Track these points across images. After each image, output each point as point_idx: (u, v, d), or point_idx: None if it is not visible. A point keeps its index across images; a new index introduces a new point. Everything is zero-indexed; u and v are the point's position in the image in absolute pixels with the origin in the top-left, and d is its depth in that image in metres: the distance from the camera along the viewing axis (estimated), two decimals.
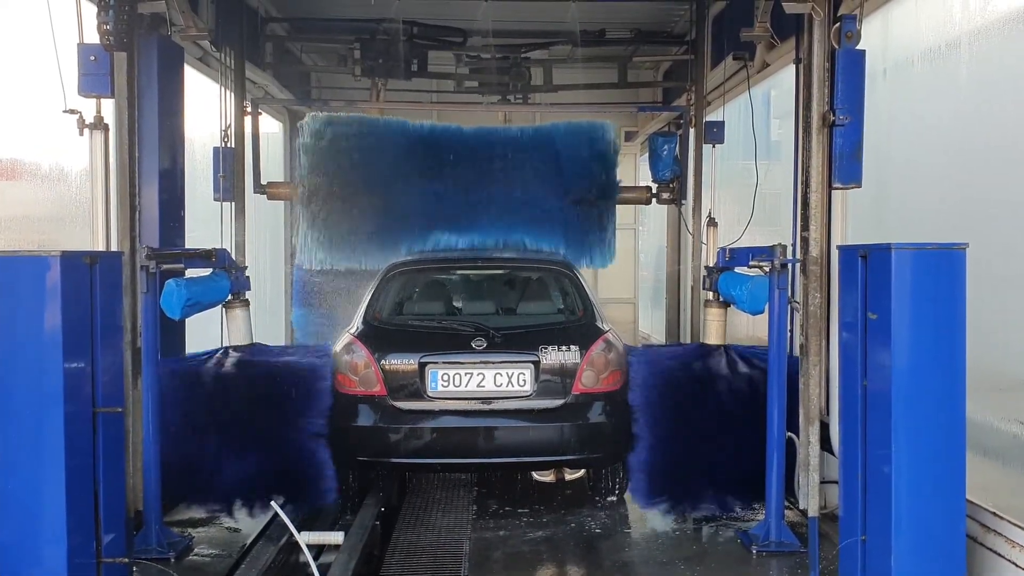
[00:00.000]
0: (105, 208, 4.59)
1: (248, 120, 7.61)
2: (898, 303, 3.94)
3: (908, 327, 3.95)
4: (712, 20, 8.32)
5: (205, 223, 7.41)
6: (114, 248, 4.68)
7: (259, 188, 7.78)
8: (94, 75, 4.49)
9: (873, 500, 4.17)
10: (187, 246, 6.54)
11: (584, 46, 8.87)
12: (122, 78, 4.51)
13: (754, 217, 7.24)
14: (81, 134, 4.61)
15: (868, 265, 4.15)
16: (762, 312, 5.70)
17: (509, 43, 9.23)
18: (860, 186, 4.73)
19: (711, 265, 6.57)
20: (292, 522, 5.75)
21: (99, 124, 4.59)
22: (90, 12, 4.65)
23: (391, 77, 8.97)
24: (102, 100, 4.64)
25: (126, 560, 4.27)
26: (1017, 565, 3.93)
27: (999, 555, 4.07)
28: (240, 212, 7.36)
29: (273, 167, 10.05)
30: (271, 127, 10.54)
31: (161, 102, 6.15)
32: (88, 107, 4.66)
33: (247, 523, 5.87)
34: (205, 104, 7.48)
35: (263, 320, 9.91)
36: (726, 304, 6.28)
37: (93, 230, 4.67)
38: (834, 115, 4.62)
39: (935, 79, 5.14)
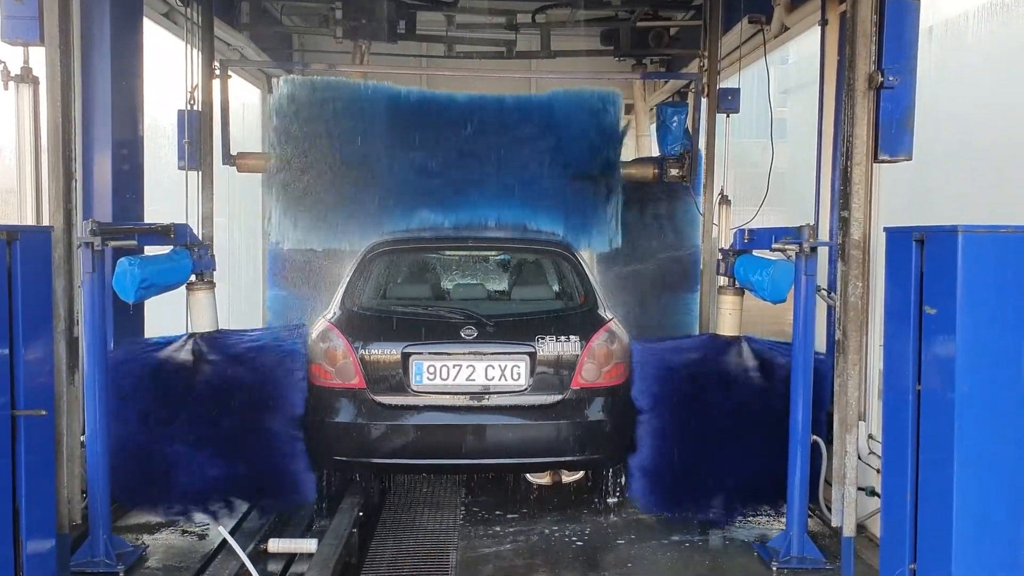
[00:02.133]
0: (35, 176, 3.94)
1: (217, 84, 6.91)
2: (966, 296, 3.33)
3: (977, 323, 3.35)
4: None
5: (170, 196, 6.77)
6: (46, 223, 4.04)
7: (228, 159, 7.09)
8: (19, 18, 3.82)
9: (927, 522, 3.59)
10: (146, 221, 5.90)
11: (586, 9, 8.25)
12: (53, 22, 3.83)
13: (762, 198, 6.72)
14: (6, 88, 3.95)
15: (926, 251, 3.55)
16: (784, 301, 5.12)
17: (505, 7, 8.56)
18: (910, 158, 4.12)
19: (726, 248, 5.97)
20: (261, 528, 5.22)
21: (27, 76, 3.93)
22: None
23: (375, 39, 8.30)
24: (30, 49, 3.97)
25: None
26: None
27: None
28: (207, 182, 6.68)
29: (250, 137, 9.38)
30: (248, 95, 9.87)
31: (115, 59, 5.49)
32: (15, 57, 4.00)
33: (209, 528, 5.30)
34: (172, 67, 6.82)
35: (237, 305, 9.30)
36: (742, 291, 5.69)
37: (20, 202, 4.02)
38: (882, 76, 3.99)
39: (993, 39, 4.53)
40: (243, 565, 4.71)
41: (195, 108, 6.61)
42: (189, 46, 6.62)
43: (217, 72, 6.87)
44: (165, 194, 6.89)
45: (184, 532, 5.28)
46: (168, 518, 5.29)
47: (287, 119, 6.64)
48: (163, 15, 6.74)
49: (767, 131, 6.78)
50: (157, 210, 6.43)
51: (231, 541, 3.53)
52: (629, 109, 11.43)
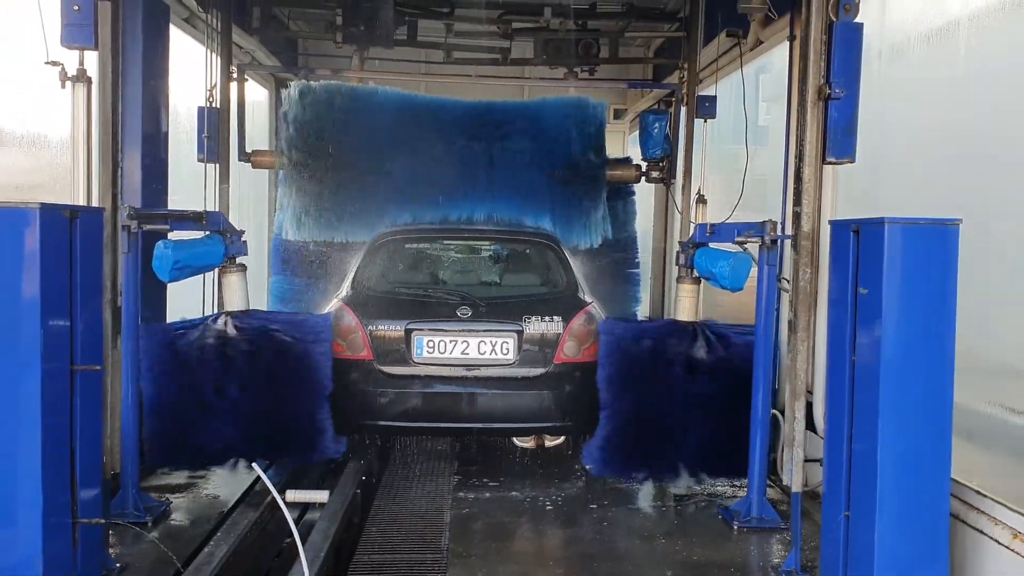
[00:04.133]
0: (87, 165, 4.48)
1: (234, 86, 7.47)
2: (889, 278, 3.90)
3: (899, 302, 3.91)
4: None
5: (188, 189, 7.30)
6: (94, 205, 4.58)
7: (244, 156, 7.66)
8: (77, 25, 4.37)
9: (858, 477, 4.15)
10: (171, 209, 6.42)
11: (576, 19, 8.77)
12: (106, 29, 4.40)
13: (740, 202, 7.23)
14: (63, 87, 4.49)
15: (860, 240, 4.12)
16: (742, 289, 5.65)
17: (497, 16, 9.08)
18: (854, 161, 4.69)
19: (685, 240, 6.51)
20: (275, 484, 5.74)
21: (82, 77, 4.47)
22: None
23: (373, 45, 8.84)
24: (85, 53, 4.51)
25: (102, 521, 4.21)
26: (999, 542, 3.94)
27: (982, 532, 4.08)
28: (224, 175, 7.24)
29: (258, 135, 9.92)
30: (257, 95, 10.39)
31: (145, 60, 6.03)
32: (71, 60, 4.55)
33: (227, 489, 5.83)
34: (190, 67, 7.35)
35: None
36: (699, 280, 6.23)
37: (73, 187, 4.56)
38: (830, 88, 4.57)
39: (932, 63, 5.11)
40: (258, 517, 5.29)
41: (214, 106, 7.14)
42: (209, 50, 7.16)
43: (235, 75, 7.42)
44: (182, 185, 7.41)
45: (204, 490, 5.83)
46: (192, 476, 5.84)
47: (297, 121, 7.19)
48: (184, 20, 7.27)
49: (752, 138, 7.30)
50: (176, 200, 6.96)
51: (263, 477, 4.04)
52: (619, 114, 12.03)
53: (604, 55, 9.55)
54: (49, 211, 3.74)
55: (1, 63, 5.12)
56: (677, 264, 6.31)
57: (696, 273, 6.09)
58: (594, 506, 5.74)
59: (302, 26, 10.10)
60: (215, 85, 7.21)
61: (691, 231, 7.75)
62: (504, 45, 9.42)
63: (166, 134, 6.56)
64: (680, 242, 6.50)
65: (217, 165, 7.20)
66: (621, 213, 8.34)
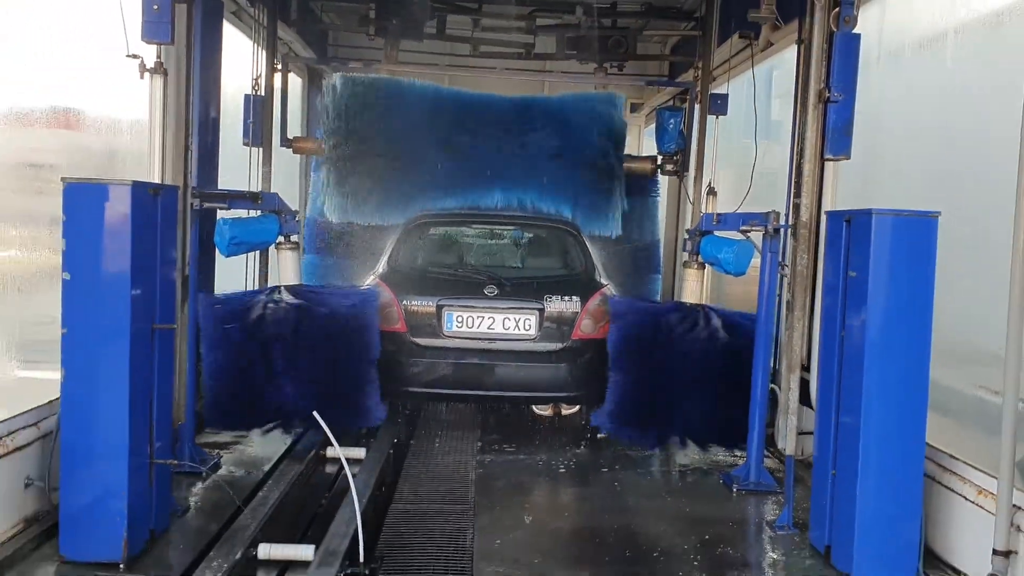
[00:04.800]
0: (162, 149, 5.02)
1: (277, 76, 8.00)
2: (875, 263, 4.41)
3: (883, 285, 4.42)
4: None
5: (233, 170, 7.81)
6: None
7: (285, 142, 8.21)
8: (156, 22, 4.88)
9: (843, 440, 4.68)
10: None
11: (599, 17, 9.21)
12: (182, 26, 4.93)
13: (752, 194, 7.69)
14: (141, 77, 5.03)
15: (851, 229, 4.63)
16: (744, 274, 6.15)
17: (528, 13, 9.53)
18: (849, 158, 5.19)
19: (692, 228, 7.00)
20: (313, 446, 6.29)
21: (159, 69, 5.01)
22: None
23: (405, 38, 9.33)
24: (161, 47, 5.04)
25: (175, 463, 4.77)
26: (966, 498, 4.44)
27: (952, 490, 4.58)
28: (267, 159, 7.78)
29: (292, 121, 10.41)
30: (291, 82, 10.88)
31: (203, 53, 6.51)
32: (148, 53, 5.08)
33: (268, 448, 6.33)
34: (234, 58, 7.86)
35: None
36: (703, 266, 6.73)
37: (150, 169, 5.09)
38: (829, 92, 5.06)
39: (923, 65, 5.60)
40: (303, 470, 5.83)
41: (259, 94, 7.67)
42: (255, 43, 7.68)
43: (279, 67, 7.95)
44: (228, 166, 7.91)
45: (249, 448, 6.36)
46: (237, 436, 6.37)
47: (340, 111, 7.73)
48: (232, 13, 7.78)
49: (765, 133, 7.78)
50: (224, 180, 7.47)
51: (320, 420, 4.50)
52: (635, 108, 12.50)
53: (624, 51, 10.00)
54: (139, 187, 4.27)
55: (78, 53, 5.62)
56: (683, 250, 6.79)
57: (701, 259, 6.59)
58: (605, 470, 6.27)
59: (335, 18, 10.58)
60: (260, 75, 7.72)
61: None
62: (528, 40, 9.89)
63: (218, 119, 7.08)
64: (687, 230, 6.98)
65: (260, 149, 7.71)
66: (645, 209, 8.90)
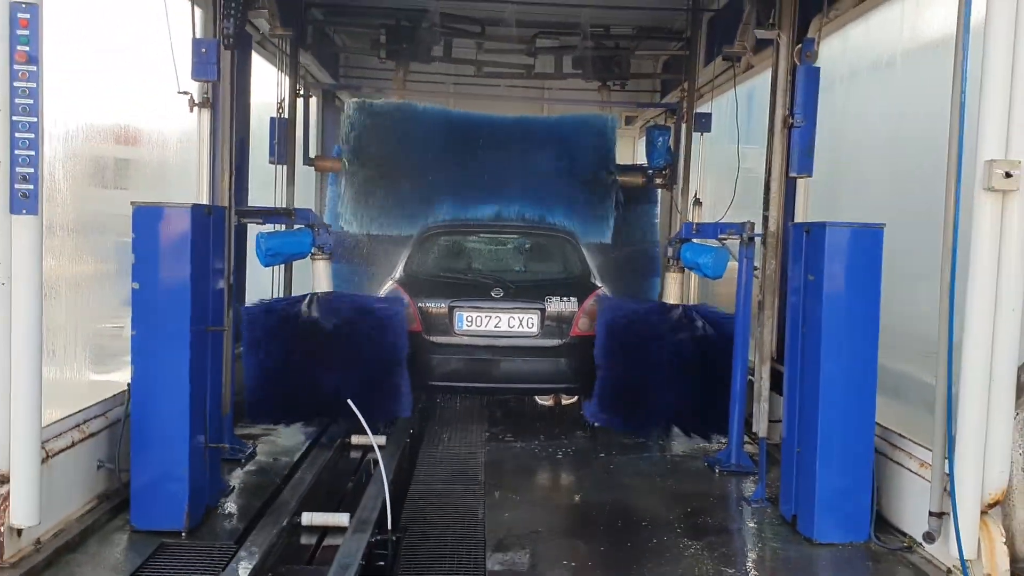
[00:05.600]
0: (211, 172, 5.75)
1: (300, 101, 8.74)
2: (829, 268, 5.12)
3: (835, 287, 5.12)
4: (707, 21, 9.44)
5: (259, 188, 8.54)
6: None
7: (308, 160, 8.97)
8: (204, 64, 5.61)
9: (805, 422, 5.38)
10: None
11: (595, 38, 9.95)
12: (225, 66, 5.66)
13: (739, 201, 8.38)
14: (191, 111, 5.76)
15: (810, 238, 5.34)
16: (721, 277, 6.88)
17: (532, 36, 10.25)
18: (811, 176, 5.91)
19: (673, 236, 7.71)
20: (337, 438, 6.97)
21: (206, 103, 5.74)
22: (198, 14, 5.87)
23: (414, 61, 10.07)
24: (208, 84, 5.77)
25: (227, 446, 5.49)
26: (911, 470, 5.13)
27: (900, 464, 5.27)
28: (291, 178, 8.51)
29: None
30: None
31: (235, 82, 7.25)
32: (194, 89, 5.81)
33: (294, 439, 7.02)
34: (259, 82, 8.58)
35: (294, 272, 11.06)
36: (683, 269, 7.44)
37: (198, 190, 5.82)
38: (793, 119, 5.79)
39: (877, 86, 6.31)
40: (331, 456, 6.53)
41: (283, 116, 8.40)
42: (279, 70, 8.41)
43: (301, 92, 8.69)
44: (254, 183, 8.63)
45: (278, 439, 7.06)
46: (266, 429, 7.05)
47: (358, 133, 8.48)
48: (257, 43, 8.50)
49: (759, 140, 8.41)
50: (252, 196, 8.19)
51: (353, 408, 5.14)
52: (630, 120, 13.25)
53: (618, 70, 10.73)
54: (197, 209, 5.00)
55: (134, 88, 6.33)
56: (666, 256, 7.51)
57: (682, 264, 7.30)
58: (602, 455, 6.98)
59: (348, 42, 11.31)
60: (283, 99, 8.45)
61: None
62: (529, 62, 10.62)
63: (246, 142, 7.81)
64: (668, 238, 7.67)
65: (285, 167, 8.44)
66: (644, 216, 9.68)
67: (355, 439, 6.64)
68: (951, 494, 4.50)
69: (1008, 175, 4.22)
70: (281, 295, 8.20)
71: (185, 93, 5.74)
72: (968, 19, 4.32)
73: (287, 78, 8.45)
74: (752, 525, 5.59)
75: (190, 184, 6.12)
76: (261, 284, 8.07)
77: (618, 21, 9.99)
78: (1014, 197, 4.28)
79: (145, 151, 6.55)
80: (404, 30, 9.88)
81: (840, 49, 6.95)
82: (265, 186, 8.24)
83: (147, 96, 6.24)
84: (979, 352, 4.36)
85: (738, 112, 8.40)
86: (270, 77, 8.62)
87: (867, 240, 5.16)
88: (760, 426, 5.93)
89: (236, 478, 6.08)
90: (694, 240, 7.17)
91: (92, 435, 5.17)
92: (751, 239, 6.48)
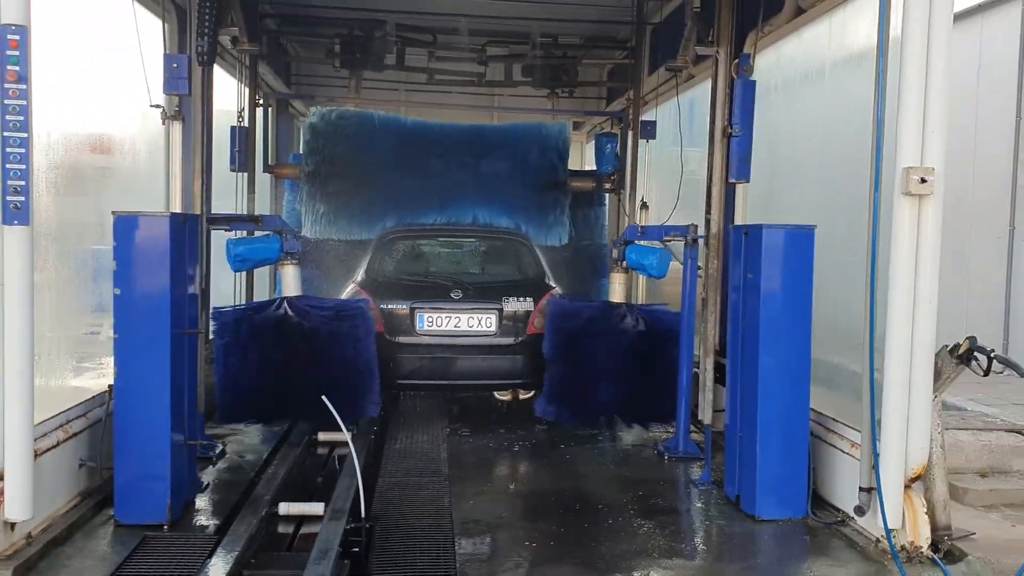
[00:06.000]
0: (182, 181, 6.01)
1: (259, 111, 9.00)
2: (765, 266, 5.56)
3: (771, 284, 5.57)
4: (651, 30, 9.90)
5: (218, 196, 8.76)
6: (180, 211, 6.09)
7: (267, 168, 9.22)
8: (175, 78, 5.87)
9: (746, 409, 5.82)
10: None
11: (541, 49, 10.37)
12: (196, 81, 5.93)
13: (684, 203, 8.83)
14: (164, 124, 6.01)
15: (748, 239, 5.78)
16: (665, 276, 7.29)
17: (475, 44, 10.63)
18: (748, 181, 6.37)
19: (617, 238, 8.06)
20: (306, 434, 7.24)
21: (177, 116, 5.99)
22: (168, 30, 6.13)
23: (367, 69, 10.38)
24: (177, 97, 6.03)
25: (204, 442, 5.74)
26: (843, 451, 5.59)
27: (833, 446, 5.73)
28: (251, 184, 8.76)
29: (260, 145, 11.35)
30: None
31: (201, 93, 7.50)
32: (164, 101, 6.06)
33: (261, 437, 7.29)
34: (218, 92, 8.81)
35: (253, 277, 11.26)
36: (627, 270, 7.80)
37: (169, 198, 6.07)
38: (731, 128, 6.24)
39: (808, 94, 6.81)
40: (300, 453, 6.80)
41: (243, 125, 8.64)
42: (239, 81, 8.65)
43: (260, 102, 8.94)
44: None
45: (246, 437, 7.31)
46: (233, 428, 7.29)
47: (316, 142, 8.76)
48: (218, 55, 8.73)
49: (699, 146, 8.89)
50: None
51: (328, 404, 5.45)
52: (578, 126, 13.71)
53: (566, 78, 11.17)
54: (175, 218, 5.26)
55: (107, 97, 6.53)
56: (611, 258, 7.84)
57: (626, 264, 7.70)
58: (559, 446, 7.36)
59: (302, 52, 11.56)
60: (243, 108, 8.70)
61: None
62: (480, 70, 10.99)
63: (211, 149, 8.03)
64: (612, 240, 8.01)
65: (246, 174, 8.69)
66: (593, 218, 10.11)
67: (322, 436, 6.92)
68: (876, 470, 4.96)
69: (923, 180, 4.68)
70: (243, 300, 8.44)
71: (157, 106, 5.98)
72: (884, 43, 4.78)
73: (247, 88, 8.68)
74: (700, 505, 6.02)
75: (156, 189, 6.38)
76: (221, 289, 8.31)
77: (566, 31, 10.39)
78: (929, 201, 4.75)
79: (118, 159, 6.75)
80: (357, 39, 10.19)
81: (775, 61, 7.43)
82: (223, 194, 8.49)
83: (118, 108, 6.45)
84: (900, 341, 4.82)
85: (681, 119, 8.90)
86: (228, 86, 8.86)
87: (800, 240, 5.61)
88: (705, 415, 6.37)
89: (209, 475, 6.33)
90: (638, 242, 7.57)
91: (75, 435, 5.39)
92: (695, 240, 6.92)
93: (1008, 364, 4.63)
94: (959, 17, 12.25)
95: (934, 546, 4.90)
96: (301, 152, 9.24)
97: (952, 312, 11.52)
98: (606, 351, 7.36)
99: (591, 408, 7.45)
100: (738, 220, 7.24)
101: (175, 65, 5.89)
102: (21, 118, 4.35)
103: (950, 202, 10.57)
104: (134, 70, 6.06)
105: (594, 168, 10.04)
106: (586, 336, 7.36)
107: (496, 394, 8.45)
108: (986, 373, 4.69)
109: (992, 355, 4.64)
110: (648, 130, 9.24)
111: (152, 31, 6.15)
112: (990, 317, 10.90)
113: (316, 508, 5.38)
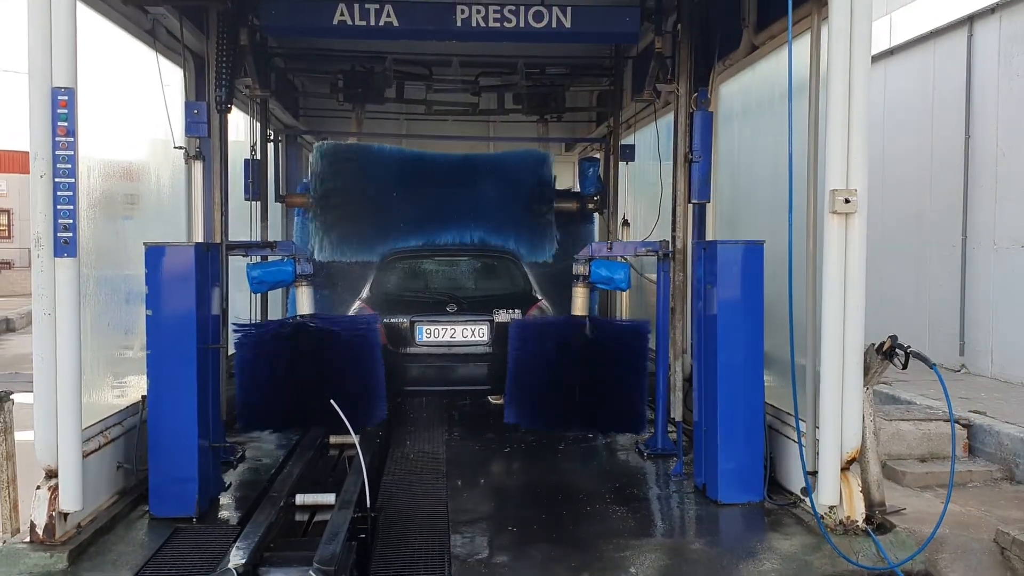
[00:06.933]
0: (203, 213, 6.77)
1: (270, 146, 9.80)
2: (721, 277, 6.27)
3: (727, 292, 6.28)
4: (631, 61, 10.65)
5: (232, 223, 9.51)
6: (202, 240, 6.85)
7: (279, 198, 10.02)
8: (196, 123, 6.65)
9: (707, 405, 6.52)
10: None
11: (528, 79, 11.14)
12: (215, 124, 6.71)
13: (664, 221, 9.48)
14: (186, 163, 6.78)
15: (707, 253, 6.50)
16: (630, 288, 7.92)
17: (476, 75, 11.39)
18: (709, 201, 7.10)
19: (579, 254, 8.35)
20: (318, 439, 7.95)
21: (198, 156, 6.76)
22: (188, 79, 6.92)
23: (368, 102, 11.17)
24: (198, 139, 6.80)
25: (226, 445, 6.46)
26: (792, 439, 6.26)
27: (786, 436, 6.42)
28: (264, 213, 9.53)
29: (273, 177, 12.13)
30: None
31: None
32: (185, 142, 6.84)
33: (276, 443, 8.00)
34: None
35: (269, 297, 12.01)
36: (590, 285, 8.05)
37: (191, 229, 6.83)
38: (691, 155, 6.97)
39: (763, 122, 7.50)
40: (312, 455, 7.51)
41: (256, 158, 9.41)
42: (251, 116, 9.44)
43: (272, 137, 9.73)
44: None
45: (262, 443, 8.04)
46: (249, 436, 8.01)
47: (324, 171, 9.54)
48: None
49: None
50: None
51: (336, 408, 6.14)
52: (569, 147, 14.46)
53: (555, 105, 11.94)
54: (200, 247, 6.01)
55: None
56: (575, 273, 7.90)
57: (590, 280, 7.89)
58: (551, 447, 8.05)
59: (308, 86, 12.36)
60: (256, 143, 9.47)
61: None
62: (473, 100, 11.76)
63: (227, 181, 8.80)
64: (575, 257, 8.01)
65: (259, 203, 9.46)
66: (584, 235, 10.83)
67: (333, 439, 7.63)
68: (817, 455, 5.64)
69: (847, 201, 5.38)
70: (258, 318, 9.19)
71: (180, 148, 6.76)
72: (791, 89, 5.48)
73: (258, 124, 9.46)
74: (671, 493, 6.72)
75: (179, 219, 7.12)
76: (237, 310, 9.04)
77: (553, 61, 11.16)
78: (854, 218, 5.43)
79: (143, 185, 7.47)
80: (359, 75, 10.98)
81: (737, 90, 8.15)
82: (238, 221, 9.24)
83: (144, 147, 7.21)
84: (833, 340, 5.49)
85: (659, 142, 9.62)
86: (241, 121, 9.65)
87: (751, 254, 6.32)
88: (675, 412, 7.07)
89: (231, 476, 7.05)
90: (598, 257, 7.97)
91: (113, 440, 6.11)
92: (667, 255, 7.63)
93: (920, 358, 5.30)
94: (905, 46, 13.04)
95: (868, 520, 5.56)
96: (309, 182, 10.04)
97: (914, 314, 12.26)
98: (567, 362, 7.64)
99: (553, 416, 7.76)
100: (708, 236, 7.96)
101: (196, 112, 6.67)
102: (69, 166, 5.10)
103: (912, 215, 11.52)
104: (158, 114, 6.83)
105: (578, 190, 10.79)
106: (549, 349, 7.66)
107: (490, 399, 9.17)
108: (904, 366, 5.38)
109: (909, 351, 5.33)
110: (627, 153, 9.99)
111: (174, 78, 6.91)
112: (949, 318, 11.68)
113: (328, 498, 6.08)
